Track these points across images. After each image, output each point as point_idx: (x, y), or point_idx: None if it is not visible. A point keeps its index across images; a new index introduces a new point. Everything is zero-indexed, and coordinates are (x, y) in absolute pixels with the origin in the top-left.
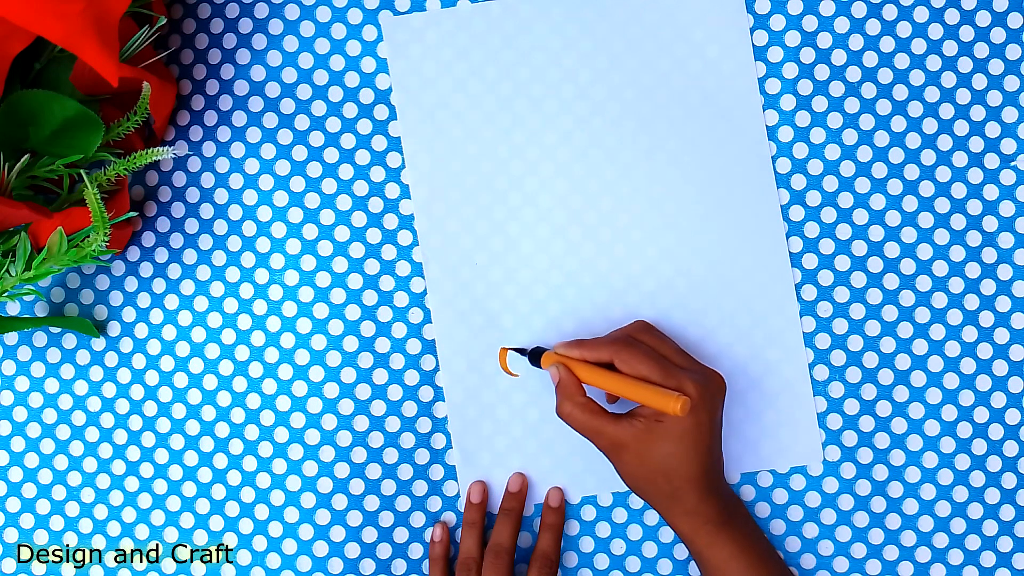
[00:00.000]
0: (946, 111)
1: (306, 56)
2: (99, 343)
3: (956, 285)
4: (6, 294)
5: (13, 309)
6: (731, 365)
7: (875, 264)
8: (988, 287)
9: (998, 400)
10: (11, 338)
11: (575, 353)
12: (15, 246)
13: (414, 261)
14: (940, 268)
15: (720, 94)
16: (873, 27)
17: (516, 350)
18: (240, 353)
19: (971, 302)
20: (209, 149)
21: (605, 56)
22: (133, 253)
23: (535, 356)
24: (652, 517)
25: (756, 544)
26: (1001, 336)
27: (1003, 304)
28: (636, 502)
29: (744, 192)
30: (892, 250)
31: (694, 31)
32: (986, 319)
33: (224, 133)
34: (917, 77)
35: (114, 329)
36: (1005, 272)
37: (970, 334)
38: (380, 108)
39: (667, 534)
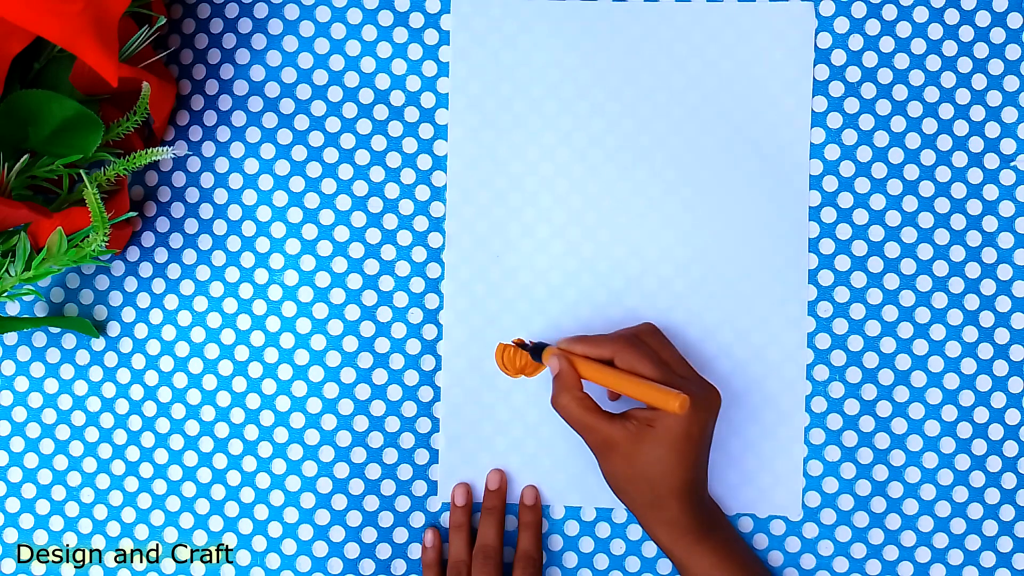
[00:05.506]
0: (946, 111)
1: (306, 56)
2: (99, 343)
3: (956, 285)
4: (6, 294)
5: (13, 309)
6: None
7: (875, 264)
8: (988, 287)
9: (998, 400)
10: (11, 338)
11: (577, 348)
12: (15, 246)
13: (414, 261)
14: (940, 268)
15: (766, 112)
16: (873, 27)
17: (519, 344)
18: (240, 353)
19: (971, 302)
20: (209, 149)
21: (649, 61)
22: (133, 253)
23: (537, 351)
24: None
25: (738, 554)
26: (1001, 336)
27: (1003, 304)
28: None
29: (775, 209)
30: (892, 250)
31: (748, 46)
32: (986, 319)
33: (224, 133)
34: (917, 77)
35: (114, 329)
36: (1005, 272)
37: (970, 334)
38: (380, 108)
39: None
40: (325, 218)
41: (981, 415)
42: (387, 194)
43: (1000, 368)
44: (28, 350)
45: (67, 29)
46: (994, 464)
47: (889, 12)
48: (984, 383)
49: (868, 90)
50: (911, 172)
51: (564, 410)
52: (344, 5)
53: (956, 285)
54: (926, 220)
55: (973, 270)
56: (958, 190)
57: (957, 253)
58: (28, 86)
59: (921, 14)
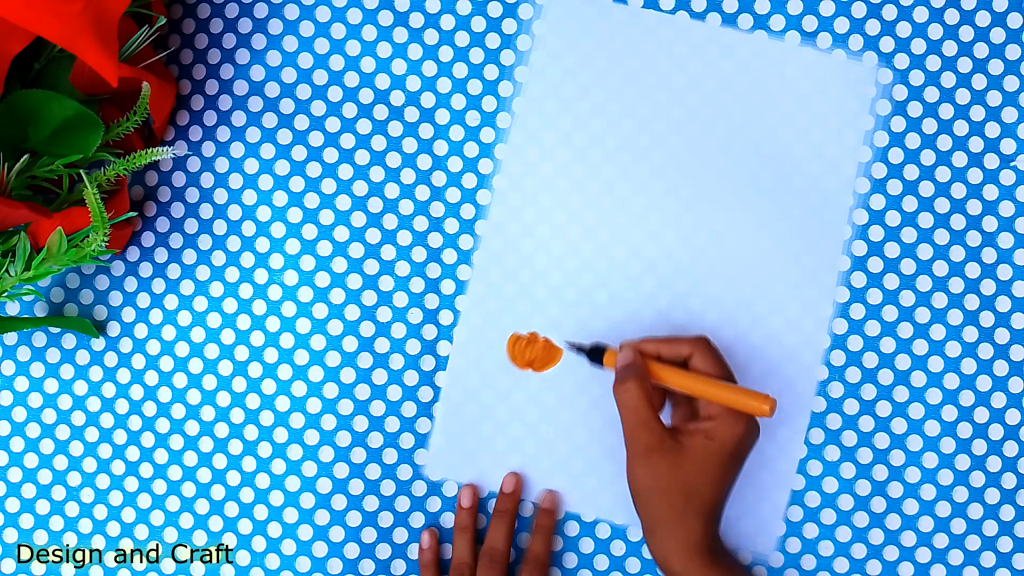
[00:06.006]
0: (946, 111)
1: (306, 56)
2: (99, 343)
3: (956, 285)
4: (6, 294)
5: (13, 309)
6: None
7: (875, 264)
8: (988, 287)
9: (998, 400)
10: (11, 338)
11: (649, 347)
12: (15, 246)
13: (414, 261)
14: (940, 268)
15: (815, 161)
16: (873, 27)
17: (574, 346)
18: (239, 353)
19: (971, 302)
20: (208, 149)
21: (699, 82)
22: (133, 253)
23: (596, 353)
24: None
25: (740, 571)
26: (1001, 336)
27: (1003, 304)
28: None
29: (811, 238)
30: (892, 250)
31: (803, 90)
32: (986, 319)
33: (223, 133)
34: (916, 77)
35: (114, 329)
36: (1005, 272)
37: (970, 334)
38: (379, 108)
39: None
40: (325, 218)
41: (981, 415)
42: (387, 194)
43: (1000, 368)
44: (28, 350)
45: (67, 29)
46: (994, 464)
47: (889, 12)
48: (984, 383)
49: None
50: (911, 172)
51: (630, 395)
52: (344, 5)
53: (956, 285)
54: (926, 220)
55: (973, 270)
56: (958, 190)
57: (957, 253)
58: (28, 86)
59: (921, 14)
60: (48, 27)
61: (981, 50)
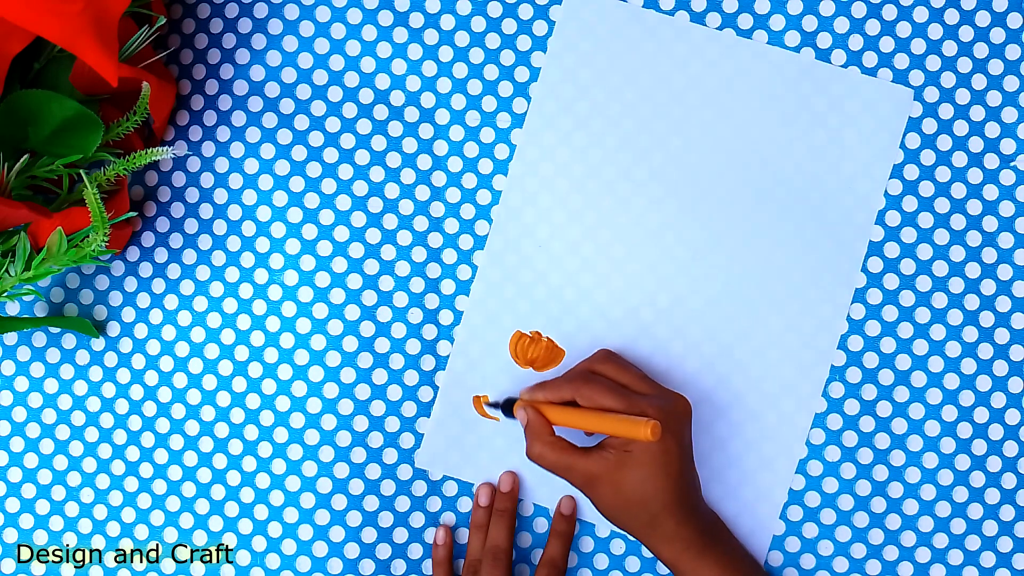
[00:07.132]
0: (946, 111)
1: (306, 56)
2: (98, 343)
3: (956, 285)
4: (6, 294)
5: (13, 309)
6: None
7: (875, 264)
8: (988, 287)
9: (998, 400)
10: (11, 338)
11: (539, 395)
12: (15, 246)
13: (413, 261)
14: (940, 268)
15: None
16: (873, 27)
17: (491, 404)
18: (239, 353)
19: (971, 302)
20: (208, 149)
21: (745, 100)
22: (132, 253)
23: (508, 407)
24: None
25: (741, 565)
26: (1001, 336)
27: (1003, 304)
28: None
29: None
30: (892, 250)
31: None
32: (986, 319)
33: (223, 133)
34: (917, 77)
35: (113, 329)
36: (1005, 272)
37: (970, 334)
38: (380, 108)
39: None
40: (325, 218)
41: (981, 415)
42: (387, 194)
43: (1000, 368)
44: (28, 350)
45: (67, 29)
46: (994, 464)
47: (889, 12)
48: (984, 383)
49: None
50: (911, 172)
51: (540, 458)
52: (344, 5)
53: (956, 285)
54: (926, 220)
55: (973, 270)
56: (958, 190)
57: (957, 253)
58: (28, 86)
59: (921, 14)
60: (48, 27)
61: (981, 50)
